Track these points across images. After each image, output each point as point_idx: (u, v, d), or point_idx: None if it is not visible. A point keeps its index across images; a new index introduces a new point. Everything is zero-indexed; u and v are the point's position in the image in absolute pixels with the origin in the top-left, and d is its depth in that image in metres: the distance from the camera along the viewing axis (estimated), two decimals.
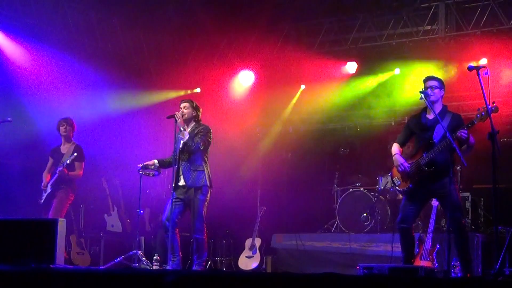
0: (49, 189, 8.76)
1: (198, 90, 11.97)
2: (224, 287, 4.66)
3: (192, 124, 7.88)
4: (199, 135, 7.71)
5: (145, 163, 8.02)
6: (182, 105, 7.89)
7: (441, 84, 6.87)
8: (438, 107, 6.84)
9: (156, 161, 7.99)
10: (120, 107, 11.26)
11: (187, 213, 7.76)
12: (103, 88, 10.88)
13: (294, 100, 12.10)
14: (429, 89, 6.79)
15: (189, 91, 11.98)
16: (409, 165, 6.84)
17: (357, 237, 10.07)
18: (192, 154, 7.66)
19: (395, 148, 7.06)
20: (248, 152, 12.07)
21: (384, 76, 11.39)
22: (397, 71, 11.18)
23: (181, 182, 7.70)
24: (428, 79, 6.90)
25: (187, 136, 7.61)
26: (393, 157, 7.01)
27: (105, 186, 10.83)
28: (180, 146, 7.70)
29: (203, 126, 7.83)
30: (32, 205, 9.15)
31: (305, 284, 4.92)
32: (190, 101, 7.97)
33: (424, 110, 7.00)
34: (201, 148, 7.67)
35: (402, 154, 7.03)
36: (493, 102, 6.24)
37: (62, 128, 8.91)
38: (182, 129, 7.65)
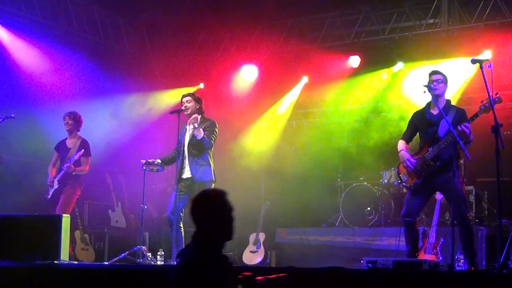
0: (56, 185, 8.71)
1: (201, 85, 11.94)
2: None
3: (198, 117, 7.84)
4: (207, 131, 7.71)
5: (148, 160, 8.01)
6: (185, 99, 7.90)
7: (445, 78, 6.85)
8: (442, 102, 6.83)
9: (159, 161, 8.00)
10: (123, 102, 11.26)
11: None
12: (106, 83, 10.87)
13: (297, 95, 12.08)
14: (434, 83, 6.77)
15: (192, 89, 11.93)
16: (415, 160, 6.83)
17: (361, 231, 10.08)
18: (201, 150, 7.66)
19: (401, 144, 7.05)
20: (252, 147, 12.05)
21: (388, 70, 11.36)
22: (400, 65, 11.15)
23: (185, 175, 7.71)
24: (433, 73, 6.88)
25: (202, 134, 7.61)
26: (399, 154, 7.00)
27: (109, 181, 10.84)
28: (188, 140, 7.69)
29: (209, 122, 7.82)
30: (38, 201, 9.15)
31: (310, 278, 4.94)
32: (192, 94, 8.02)
33: (428, 105, 6.99)
34: (212, 144, 7.71)
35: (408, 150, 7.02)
36: (497, 93, 6.24)
37: (64, 122, 8.90)
38: (196, 125, 7.65)
